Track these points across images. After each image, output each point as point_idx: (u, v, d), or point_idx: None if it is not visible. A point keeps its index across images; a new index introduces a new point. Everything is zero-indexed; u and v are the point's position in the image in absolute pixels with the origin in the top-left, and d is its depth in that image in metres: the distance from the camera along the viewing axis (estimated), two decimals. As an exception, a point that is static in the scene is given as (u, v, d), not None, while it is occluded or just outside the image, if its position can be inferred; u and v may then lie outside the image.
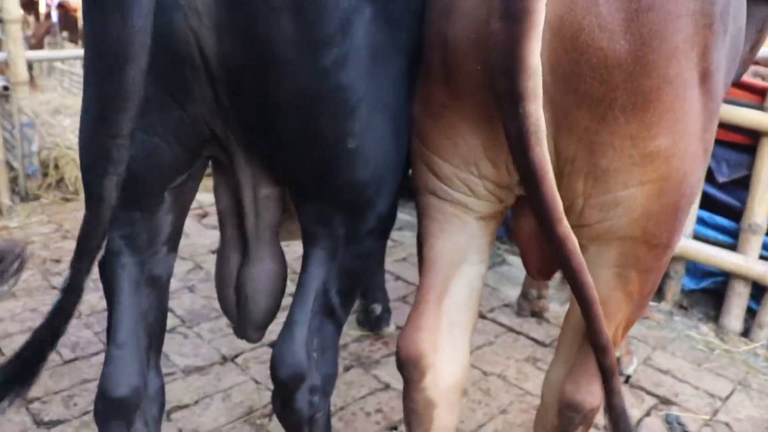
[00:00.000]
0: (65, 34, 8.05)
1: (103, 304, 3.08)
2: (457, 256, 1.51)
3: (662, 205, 1.29)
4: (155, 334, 1.55)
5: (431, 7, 1.37)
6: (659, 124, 1.20)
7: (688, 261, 3.24)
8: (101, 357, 2.59)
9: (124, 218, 1.38)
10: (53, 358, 2.60)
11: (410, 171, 1.56)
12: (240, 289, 1.61)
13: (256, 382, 2.49)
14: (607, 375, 1.42)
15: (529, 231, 1.62)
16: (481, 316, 3.12)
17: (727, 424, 2.43)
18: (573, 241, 1.22)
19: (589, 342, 1.38)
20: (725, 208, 3.17)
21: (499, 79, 1.14)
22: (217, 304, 3.05)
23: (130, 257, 1.43)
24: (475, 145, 1.36)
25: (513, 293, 3.29)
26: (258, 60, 1.20)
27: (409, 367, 1.52)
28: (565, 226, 1.20)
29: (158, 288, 1.52)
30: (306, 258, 1.51)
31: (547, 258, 1.68)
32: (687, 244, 3.15)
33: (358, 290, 1.63)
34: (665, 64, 1.16)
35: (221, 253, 1.64)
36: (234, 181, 1.48)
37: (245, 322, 1.63)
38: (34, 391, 2.38)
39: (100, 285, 3.27)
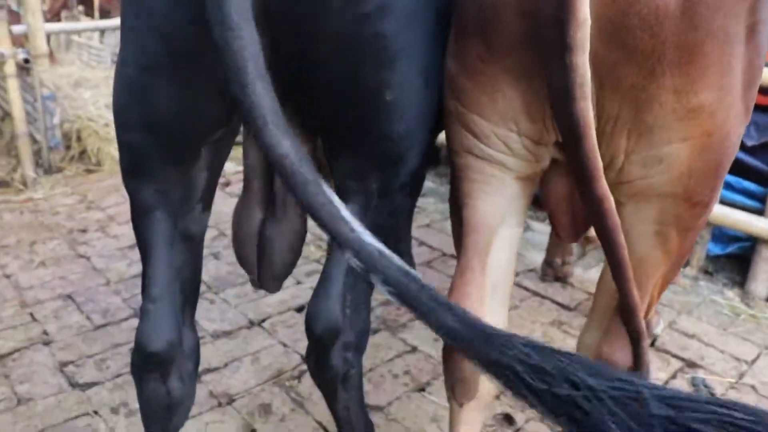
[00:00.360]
0: (81, 8, 8.03)
1: (131, 271, 3.13)
2: (497, 219, 1.50)
3: (704, 162, 1.27)
4: (190, 291, 1.57)
5: None
6: (705, 78, 1.17)
7: (714, 226, 3.22)
8: (131, 322, 2.65)
9: (160, 173, 1.39)
10: (84, 323, 2.65)
11: (444, 133, 1.56)
12: (264, 244, 1.62)
13: (284, 345, 2.52)
14: (635, 337, 1.41)
15: (558, 193, 1.62)
16: (506, 282, 3.13)
17: (753, 387, 2.43)
18: (610, 200, 1.20)
19: (618, 304, 1.38)
20: (753, 172, 3.13)
21: (546, 28, 1.12)
22: (242, 270, 3.09)
23: (165, 213, 1.43)
24: (513, 99, 1.34)
25: (537, 258, 3.29)
26: (301, 3, 1.19)
27: None
28: (603, 185, 1.18)
29: (193, 245, 1.53)
30: None
31: (576, 220, 1.68)
32: (713, 209, 3.12)
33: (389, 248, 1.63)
34: (713, 16, 1.13)
35: (243, 208, 1.65)
36: None
37: (268, 274, 1.66)
38: (68, 354, 2.43)
39: (128, 253, 3.30)
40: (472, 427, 1.61)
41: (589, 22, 1.08)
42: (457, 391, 1.58)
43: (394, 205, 1.51)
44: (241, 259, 1.68)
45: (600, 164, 1.17)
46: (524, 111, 1.35)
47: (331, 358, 1.50)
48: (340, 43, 1.24)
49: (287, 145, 1.04)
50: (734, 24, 1.16)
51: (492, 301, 1.53)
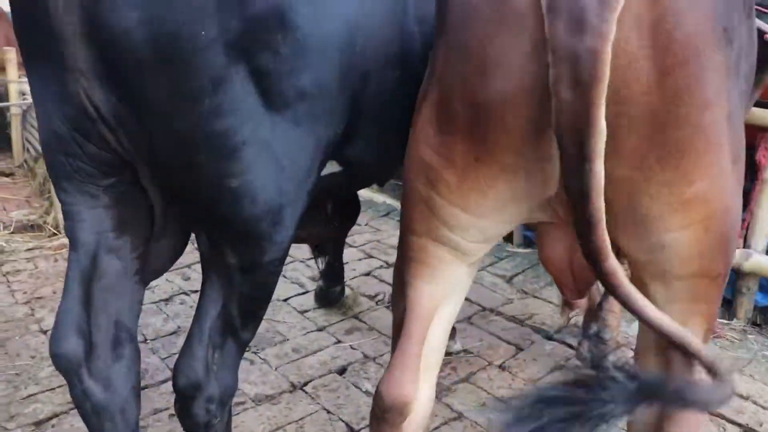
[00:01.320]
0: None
1: (168, 327, 3.10)
2: (441, 299, 1.53)
3: (711, 240, 1.31)
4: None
5: (445, 63, 1.34)
6: (696, 169, 1.22)
7: (761, 276, 3.13)
8: (169, 385, 2.60)
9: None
10: (123, 385, 2.60)
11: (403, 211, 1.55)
12: None
13: (328, 411, 2.46)
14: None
15: (560, 259, 1.67)
16: (548, 338, 3.05)
17: (818, 455, 2.34)
18: (620, 273, 1.22)
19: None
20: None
21: (567, 140, 1.16)
22: (280, 327, 3.05)
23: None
24: (505, 192, 1.35)
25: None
26: (138, 108, 1.34)
27: (393, 413, 1.56)
28: (611, 262, 1.21)
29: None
30: (204, 278, 1.62)
31: (578, 281, 1.72)
32: (760, 260, 3.06)
33: (261, 312, 1.71)
34: (697, 114, 1.18)
35: None
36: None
37: None
38: (109, 423, 2.38)
39: (163, 307, 3.27)
40: None
41: (605, 133, 1.12)
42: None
43: (262, 276, 1.61)
44: None
45: (608, 245, 1.20)
46: (513, 200, 1.37)
47: (193, 409, 1.62)
48: (179, 139, 1.37)
49: None
50: (717, 116, 1.21)
51: (425, 377, 1.57)
